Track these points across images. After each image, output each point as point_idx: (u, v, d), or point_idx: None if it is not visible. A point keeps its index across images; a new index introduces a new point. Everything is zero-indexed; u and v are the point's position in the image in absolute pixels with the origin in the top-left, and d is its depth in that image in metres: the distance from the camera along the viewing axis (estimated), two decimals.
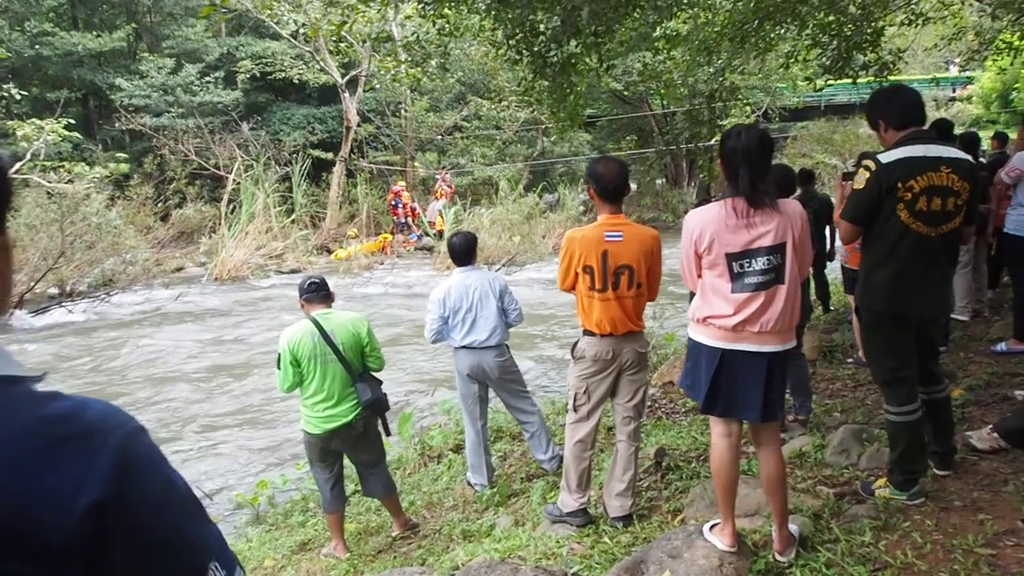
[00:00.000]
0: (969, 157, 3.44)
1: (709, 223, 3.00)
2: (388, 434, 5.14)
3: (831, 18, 9.19)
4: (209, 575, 0.94)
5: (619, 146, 29.26)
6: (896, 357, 3.45)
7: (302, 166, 22.64)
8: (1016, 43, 12.56)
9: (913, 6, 10.74)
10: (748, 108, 25.23)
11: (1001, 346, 5.85)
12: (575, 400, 4.02)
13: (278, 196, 21.96)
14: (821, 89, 11.73)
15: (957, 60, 23.56)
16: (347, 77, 22.46)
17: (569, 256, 3.84)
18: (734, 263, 2.95)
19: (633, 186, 28.78)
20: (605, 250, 3.74)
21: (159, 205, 22.45)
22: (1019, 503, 3.30)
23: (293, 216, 22.05)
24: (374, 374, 4.97)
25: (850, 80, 10.38)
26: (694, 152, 25.89)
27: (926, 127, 3.53)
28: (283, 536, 5.82)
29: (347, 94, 22.37)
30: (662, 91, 19.67)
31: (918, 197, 3.23)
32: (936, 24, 12.37)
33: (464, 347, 5.35)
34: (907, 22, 10.62)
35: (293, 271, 18.69)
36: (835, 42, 9.45)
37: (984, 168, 7.06)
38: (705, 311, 3.05)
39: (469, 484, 5.66)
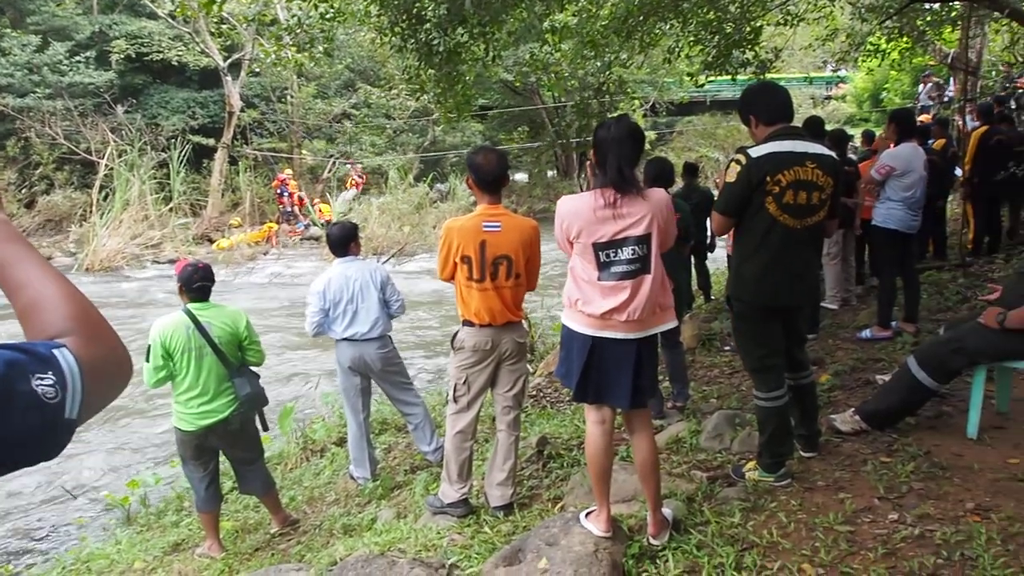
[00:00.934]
0: (833, 153, 3.58)
1: (578, 212, 3.01)
2: (266, 429, 4.99)
3: (712, 16, 9.45)
4: (37, 391, 0.94)
5: (511, 137, 29.38)
6: (765, 345, 3.56)
7: (181, 152, 21.68)
8: (883, 46, 13.27)
9: (790, 7, 11.16)
10: (636, 102, 25.76)
11: (866, 333, 6.16)
12: (455, 391, 3.99)
13: (155, 183, 20.93)
14: (703, 85, 12.07)
15: (831, 61, 24.74)
16: (229, 60, 21.64)
17: (447, 246, 3.80)
18: (601, 252, 2.97)
19: (524, 177, 29.07)
20: (483, 240, 3.72)
21: (23, 191, 21.05)
22: (876, 482, 3.47)
23: (171, 204, 21.10)
24: (253, 368, 4.81)
25: (730, 77, 10.72)
26: (584, 144, 26.26)
27: (798, 124, 3.66)
28: (155, 537, 5.58)
29: (229, 78, 21.55)
30: (551, 83, 19.84)
31: (785, 191, 3.33)
32: (811, 25, 12.92)
33: (345, 339, 5.24)
34: (783, 22, 11.03)
35: (171, 261, 17.87)
36: (716, 39, 9.72)
37: (852, 164, 7.42)
38: (575, 295, 3.07)
39: (352, 478, 5.56)
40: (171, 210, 20.89)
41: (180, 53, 22.27)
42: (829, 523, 3.14)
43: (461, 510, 4.04)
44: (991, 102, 9.74)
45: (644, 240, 2.98)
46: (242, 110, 22.67)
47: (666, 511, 3.31)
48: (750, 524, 3.24)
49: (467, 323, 3.89)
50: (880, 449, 3.87)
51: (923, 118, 13.34)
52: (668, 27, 9.92)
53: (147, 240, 19.24)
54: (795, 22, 11.02)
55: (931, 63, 16.66)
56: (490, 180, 3.75)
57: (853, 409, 4.16)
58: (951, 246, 9.34)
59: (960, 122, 12.97)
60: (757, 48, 9.84)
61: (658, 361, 3.28)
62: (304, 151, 25.11)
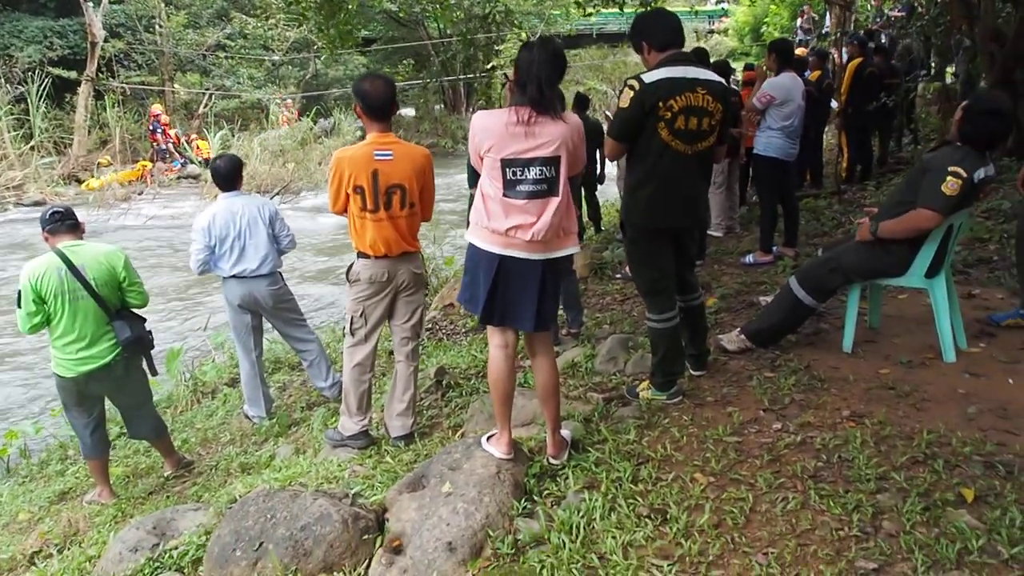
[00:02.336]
0: (722, 80, 3.65)
1: (491, 127, 2.97)
2: (154, 373, 4.78)
3: None
4: None
5: (396, 70, 28.67)
6: (657, 268, 3.65)
7: (40, 86, 20.12)
8: None
9: None
10: (524, 34, 25.53)
11: (749, 258, 6.41)
12: (352, 324, 3.94)
13: (13, 119, 19.45)
14: (591, 15, 12.06)
15: None
16: None
17: (338, 177, 3.69)
18: (508, 169, 2.95)
19: (411, 111, 28.52)
20: (375, 169, 3.64)
21: None
22: (761, 395, 3.64)
23: (33, 142, 19.64)
24: (137, 311, 4.58)
25: (618, 8, 10.73)
26: (471, 78, 25.93)
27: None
28: (39, 488, 5.35)
29: (91, 4, 20.01)
30: (438, 12, 19.37)
31: (676, 116, 3.38)
32: None
33: (234, 277, 5.07)
34: None
35: (36, 203, 16.77)
36: None
37: (735, 94, 7.60)
38: (481, 213, 3.05)
39: (247, 417, 5.46)
40: (33, 149, 19.46)
41: None
42: (719, 435, 3.29)
43: (362, 442, 4.03)
44: (865, 35, 10.11)
45: (552, 162, 2.98)
46: (106, 40, 21.16)
47: (565, 432, 3.39)
48: (645, 440, 3.36)
49: (362, 255, 3.82)
50: (764, 365, 4.06)
51: (800, 51, 13.75)
52: None
53: (8, 181, 17.94)
54: None
55: None
56: (378, 107, 3.65)
57: (739, 329, 4.34)
58: (827, 175, 9.76)
59: (836, 55, 13.49)
60: None
61: (560, 286, 3.31)
62: (177, 84, 23.78)
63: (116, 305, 4.42)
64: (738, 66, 14.75)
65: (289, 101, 23.25)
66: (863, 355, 4.09)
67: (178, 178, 19.93)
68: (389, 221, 3.71)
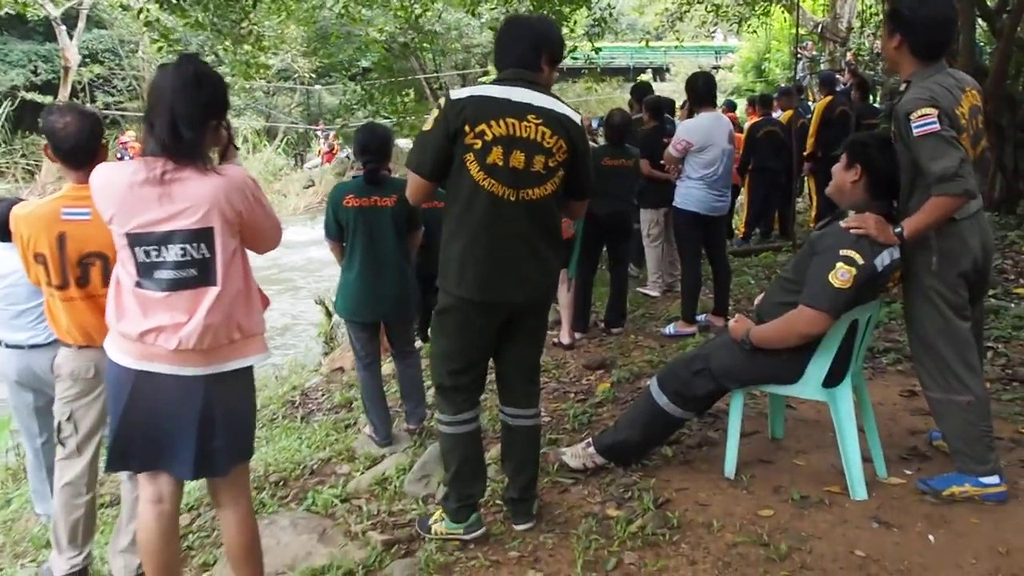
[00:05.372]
0: (572, 114, 2.64)
1: (111, 186, 2.07)
2: None
3: None
4: None
5: (393, 102, 27.91)
6: (461, 355, 2.68)
7: (7, 109, 19.57)
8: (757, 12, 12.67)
9: None
10: None
11: (670, 328, 5.41)
12: (60, 431, 3.00)
13: None
14: (573, 50, 11.29)
15: (717, 28, 24.30)
16: (63, 8, 19.52)
17: (19, 241, 2.78)
18: (138, 248, 2.05)
19: (407, 143, 27.68)
20: (62, 232, 2.70)
21: None
22: (582, 551, 2.64)
23: None
24: None
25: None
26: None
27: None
28: None
29: (64, 28, 19.46)
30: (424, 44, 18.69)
31: (491, 147, 2.46)
32: None
33: (7, 346, 4.14)
34: None
35: None
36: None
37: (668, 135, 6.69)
38: (112, 311, 2.12)
39: (37, 514, 4.50)
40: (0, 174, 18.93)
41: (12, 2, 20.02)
42: None
43: None
44: (833, 72, 9.15)
45: (202, 237, 2.06)
46: (82, 64, 20.61)
47: None
48: None
49: (64, 344, 2.90)
50: (614, 496, 3.06)
51: None
52: None
53: None
54: None
55: (802, 32, 16.22)
56: (69, 149, 2.71)
57: (588, 440, 3.32)
58: (800, 224, 8.80)
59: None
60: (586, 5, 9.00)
61: (250, 408, 2.34)
62: None
63: None
64: (741, 102, 13.88)
65: (332, 132, 22.18)
66: (748, 483, 3.09)
67: None
68: (85, 301, 2.76)
